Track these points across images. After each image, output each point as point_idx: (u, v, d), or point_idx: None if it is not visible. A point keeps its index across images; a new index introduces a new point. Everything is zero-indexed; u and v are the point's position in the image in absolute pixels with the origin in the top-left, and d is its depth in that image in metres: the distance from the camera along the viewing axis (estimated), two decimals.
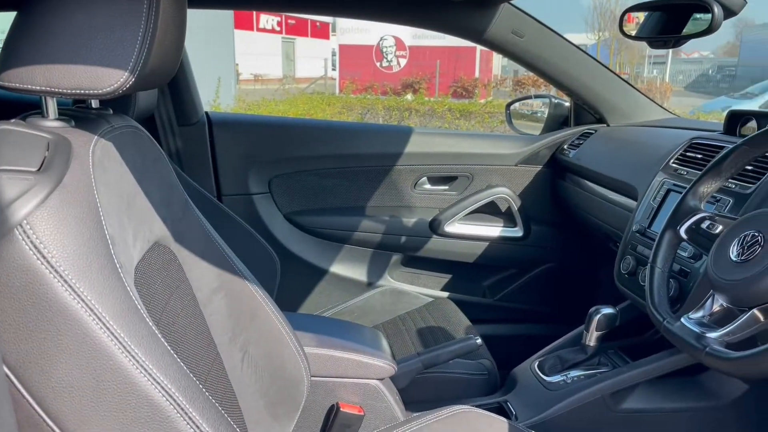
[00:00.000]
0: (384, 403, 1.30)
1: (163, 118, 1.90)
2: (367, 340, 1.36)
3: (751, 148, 1.08)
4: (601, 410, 1.34)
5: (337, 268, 2.10)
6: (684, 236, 1.14)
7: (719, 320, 1.01)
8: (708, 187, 1.15)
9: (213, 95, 8.59)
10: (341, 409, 1.27)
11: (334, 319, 1.73)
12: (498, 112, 9.27)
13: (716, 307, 1.02)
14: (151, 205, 0.92)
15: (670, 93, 16.17)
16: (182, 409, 0.69)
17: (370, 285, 2.11)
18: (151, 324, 0.71)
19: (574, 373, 1.42)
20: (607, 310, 1.41)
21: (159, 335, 0.71)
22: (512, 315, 2.17)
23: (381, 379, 1.30)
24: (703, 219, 1.12)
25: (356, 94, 14.33)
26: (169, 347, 0.72)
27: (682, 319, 1.03)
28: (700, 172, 1.39)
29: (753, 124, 1.45)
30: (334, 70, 21.74)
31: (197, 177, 1.90)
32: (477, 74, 18.40)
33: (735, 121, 1.49)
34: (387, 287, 2.08)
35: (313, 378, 1.25)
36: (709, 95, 18.10)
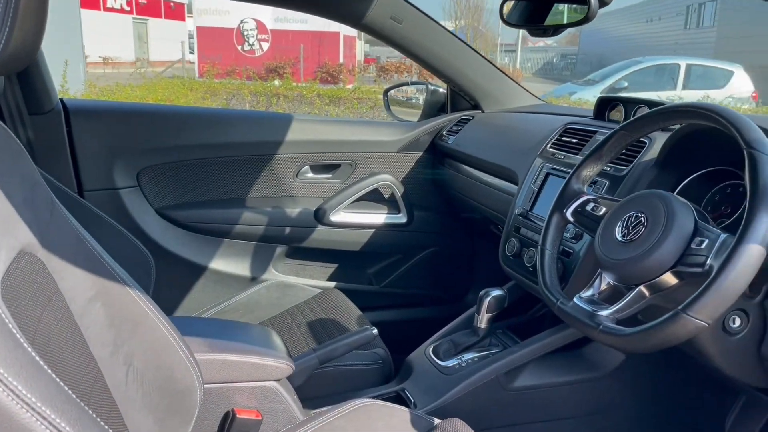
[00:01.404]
0: (282, 404, 1.25)
1: (10, 106, 1.69)
2: (261, 340, 1.30)
3: (630, 133, 1.15)
4: (496, 390, 1.38)
5: (218, 264, 2.00)
6: (570, 218, 1.19)
7: (608, 298, 1.07)
8: (590, 171, 1.20)
9: (60, 80, 7.88)
10: (237, 415, 1.20)
11: (224, 320, 1.64)
12: (367, 98, 9.33)
13: (604, 286, 1.08)
14: (13, 207, 0.80)
15: (521, 79, 17.18)
16: None
17: (254, 280, 2.03)
18: (29, 349, 0.61)
19: (468, 355, 1.45)
20: (497, 292, 1.45)
21: (40, 361, 0.62)
22: (399, 300, 2.18)
23: (278, 380, 1.24)
24: (587, 201, 1.17)
25: (219, 78, 13.80)
26: (53, 374, 0.63)
27: (575, 299, 1.07)
28: (576, 156, 1.47)
29: (620, 109, 1.55)
30: (192, 53, 20.75)
31: (53, 172, 1.70)
32: (341, 59, 18.41)
33: (604, 106, 1.59)
34: (272, 281, 2.01)
35: (205, 385, 1.17)
36: (555, 81, 19.42)
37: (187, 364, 1.09)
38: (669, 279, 0.97)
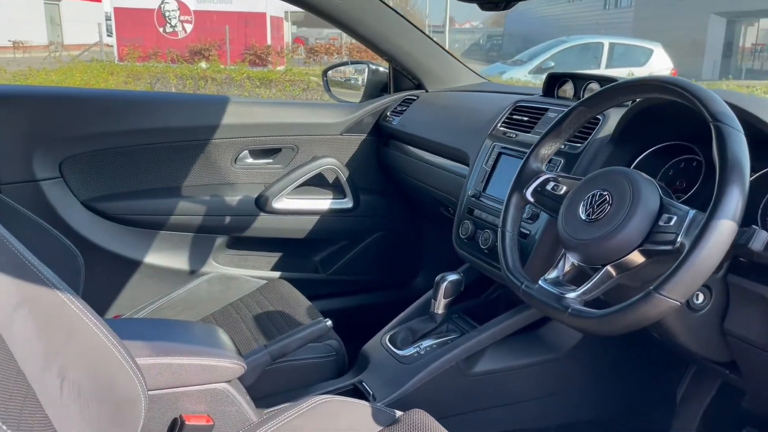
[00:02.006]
0: (235, 406, 1.17)
1: None
2: (207, 339, 1.21)
3: (589, 109, 1.12)
4: (457, 376, 1.34)
5: (153, 258, 1.88)
6: (530, 199, 1.15)
7: (573, 279, 1.04)
8: (549, 149, 1.17)
9: None
10: (186, 422, 1.11)
11: (165, 320, 1.53)
12: (299, 80, 9.14)
13: (568, 267, 1.05)
14: None
15: None
16: None
17: (193, 273, 1.92)
18: None
19: (426, 343, 1.41)
20: (453, 277, 1.41)
21: None
22: (346, 288, 2.12)
23: (228, 381, 1.16)
24: (547, 180, 1.14)
25: (141, 62, 13.19)
26: None
27: (540, 282, 1.04)
28: (528, 134, 1.44)
29: (569, 85, 1.53)
30: (110, 36, 19.76)
31: None
32: (269, 41, 17.98)
33: (553, 83, 1.56)
34: (213, 274, 1.90)
35: (150, 392, 1.08)
36: (483, 62, 19.65)
37: (129, 371, 0.99)
38: (636, 258, 0.95)
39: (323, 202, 2.01)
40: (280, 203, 1.96)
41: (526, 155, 1.18)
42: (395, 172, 2.03)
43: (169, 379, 1.10)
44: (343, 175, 2.01)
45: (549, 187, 1.13)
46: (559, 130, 1.15)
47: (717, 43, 19.18)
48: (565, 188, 1.10)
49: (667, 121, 1.19)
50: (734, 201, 0.83)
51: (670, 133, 1.21)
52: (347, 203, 2.04)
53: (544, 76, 1.64)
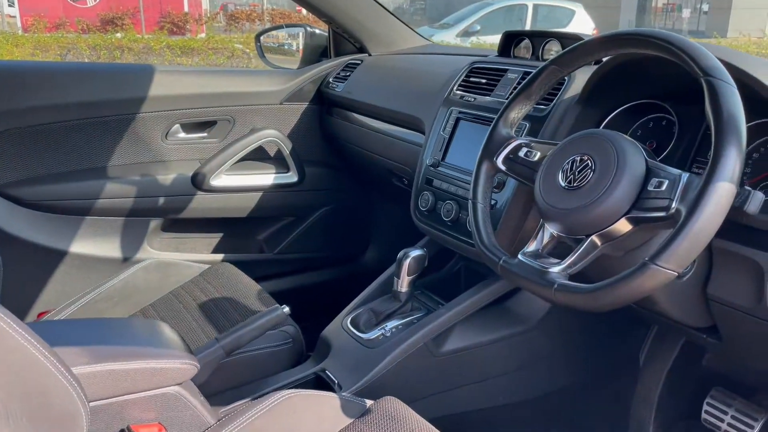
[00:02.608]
0: (188, 410, 1.05)
1: None
2: (151, 337, 1.08)
3: (560, 68, 1.04)
4: (425, 357, 1.27)
5: (80, 247, 1.70)
6: (502, 167, 1.07)
7: (554, 251, 0.98)
8: (518, 113, 1.09)
9: None
10: None
11: (101, 319, 1.38)
12: (222, 48, 8.74)
13: (548, 238, 0.98)
14: None
15: None
16: None
17: (126, 261, 1.76)
18: None
19: (391, 324, 1.32)
20: (416, 252, 1.32)
21: None
22: (295, 266, 2.01)
23: (180, 384, 1.04)
24: (519, 147, 1.06)
25: (49, 32, 12.31)
26: None
27: (520, 257, 0.97)
28: (488, 97, 1.36)
29: (527, 44, 1.45)
30: (11, 6, 18.35)
31: None
32: (186, 8, 17.15)
33: (509, 42, 1.48)
34: (149, 260, 1.75)
35: (92, 404, 0.95)
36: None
37: (64, 383, 0.86)
38: (623, 226, 0.89)
39: (265, 178, 1.88)
40: (219, 180, 1.81)
41: (495, 120, 1.09)
42: (341, 142, 1.92)
43: (112, 388, 0.97)
44: (286, 148, 1.89)
45: (521, 153, 1.05)
46: (529, 91, 1.07)
47: (631, 2, 19.71)
48: (539, 154, 1.03)
49: (637, 78, 1.13)
50: (732, 161, 0.77)
51: (640, 91, 1.16)
52: (291, 177, 1.91)
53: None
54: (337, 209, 2.03)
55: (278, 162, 1.91)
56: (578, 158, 0.94)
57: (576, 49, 1.00)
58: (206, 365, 1.20)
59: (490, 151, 1.09)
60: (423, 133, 1.50)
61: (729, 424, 1.29)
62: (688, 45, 0.85)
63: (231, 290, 1.56)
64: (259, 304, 1.47)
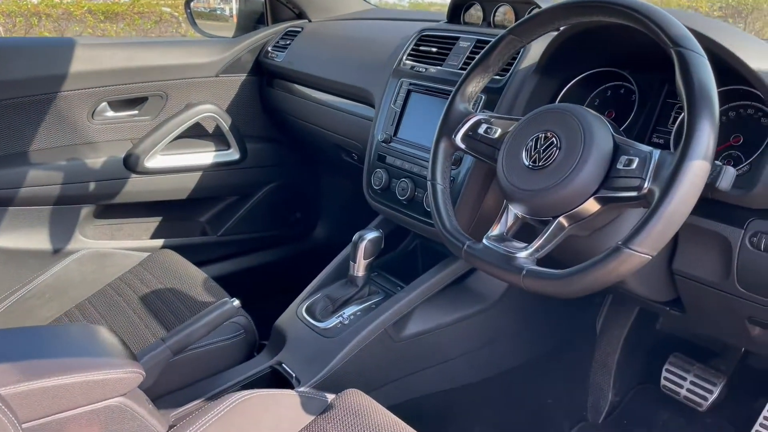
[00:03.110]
0: (135, 420, 0.97)
1: None
2: (91, 345, 0.99)
3: (519, 38, 0.98)
4: (386, 344, 1.22)
5: (5, 241, 1.57)
6: (461, 145, 1.01)
7: (519, 233, 0.93)
8: (476, 86, 1.03)
9: None
10: None
11: (30, 328, 1.26)
12: (149, 12, 8.27)
13: (512, 220, 0.93)
14: None
15: None
16: None
17: (57, 253, 1.63)
18: None
19: (349, 310, 1.26)
20: (372, 234, 1.25)
21: None
22: (241, 248, 1.92)
23: (124, 394, 0.96)
24: (478, 123, 1.00)
25: None
26: None
27: (485, 241, 0.92)
28: (439, 67, 1.29)
29: (477, 9, 1.38)
30: None
31: None
32: None
33: (458, 8, 1.41)
34: (83, 251, 1.62)
35: (25, 425, 0.86)
36: None
37: None
38: (591, 206, 0.85)
39: (205, 156, 1.77)
40: (154, 161, 1.69)
41: (451, 95, 1.03)
42: (284, 115, 1.82)
43: (47, 406, 0.88)
44: (225, 123, 1.77)
45: (481, 130, 0.99)
46: (487, 63, 1.01)
47: None
48: (499, 131, 0.98)
49: (597, 46, 1.08)
50: (706, 137, 0.73)
51: (598, 59, 1.11)
52: (232, 155, 1.81)
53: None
54: (283, 186, 1.94)
55: (217, 139, 1.79)
56: (542, 135, 0.89)
57: (536, 17, 0.94)
58: (152, 368, 1.12)
59: (448, 128, 1.02)
60: (372, 106, 1.42)
61: (689, 390, 1.30)
62: (655, 12, 0.80)
63: (175, 280, 1.46)
64: (207, 295, 1.39)
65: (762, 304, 0.89)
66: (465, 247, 0.93)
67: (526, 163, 0.89)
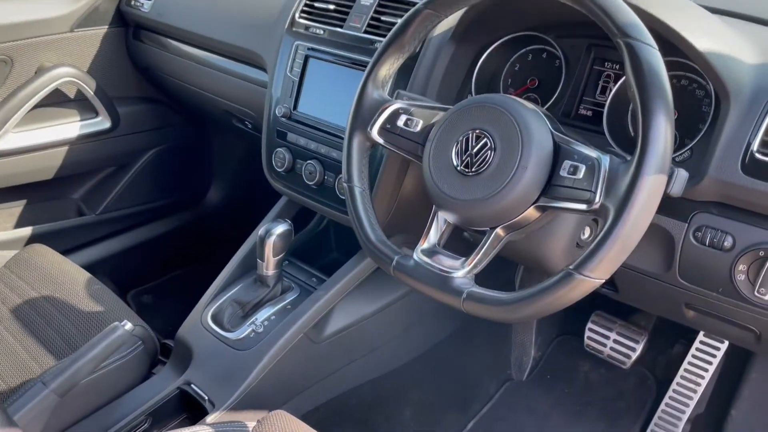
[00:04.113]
0: None
1: None
2: None
3: (437, 12, 0.84)
4: (307, 348, 1.12)
5: None
6: (379, 140, 0.88)
7: (450, 242, 0.84)
8: (390, 68, 0.89)
9: None
10: None
11: None
12: None
13: (443, 226, 0.83)
14: None
15: None
16: None
17: None
18: None
19: (262, 315, 1.12)
20: (280, 228, 1.11)
21: None
22: (126, 223, 1.71)
23: None
24: (396, 113, 0.87)
25: None
26: None
27: (416, 256, 0.82)
28: (340, 30, 1.12)
29: None
30: None
31: None
32: None
33: None
34: None
35: None
36: None
37: None
38: (531, 214, 0.77)
39: (69, 128, 1.52)
40: (7, 140, 1.43)
41: (362, 81, 0.89)
42: (159, 73, 1.58)
43: None
44: (89, 88, 1.51)
45: (400, 122, 0.87)
46: (401, 42, 0.87)
47: None
48: (421, 122, 0.85)
49: (518, 9, 0.96)
50: (662, 142, 0.66)
51: (519, 23, 1.00)
52: (103, 123, 1.56)
53: None
54: (167, 151, 1.73)
55: (82, 105, 1.54)
56: (473, 134, 0.77)
57: None
58: (36, 416, 0.96)
59: (361, 119, 0.89)
60: (265, 70, 1.24)
61: (612, 348, 1.31)
62: None
63: (52, 285, 1.26)
64: (92, 301, 1.21)
65: (702, 294, 0.86)
66: (394, 263, 0.82)
67: (457, 167, 0.78)
